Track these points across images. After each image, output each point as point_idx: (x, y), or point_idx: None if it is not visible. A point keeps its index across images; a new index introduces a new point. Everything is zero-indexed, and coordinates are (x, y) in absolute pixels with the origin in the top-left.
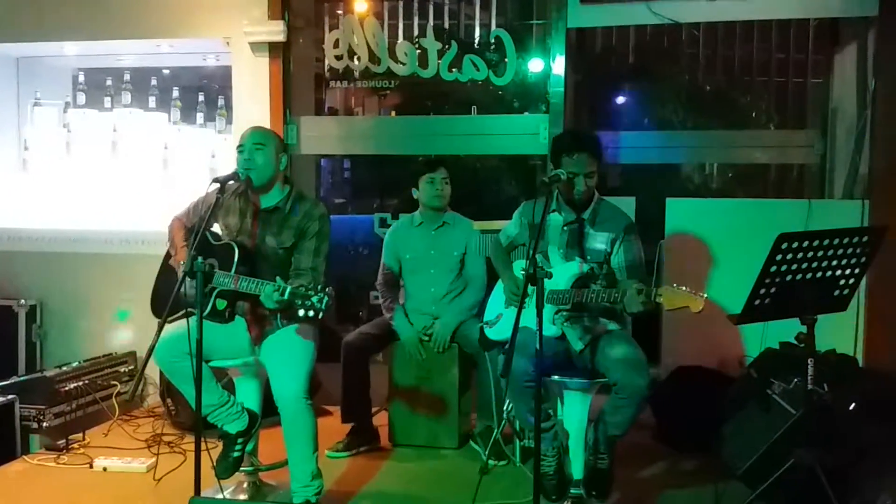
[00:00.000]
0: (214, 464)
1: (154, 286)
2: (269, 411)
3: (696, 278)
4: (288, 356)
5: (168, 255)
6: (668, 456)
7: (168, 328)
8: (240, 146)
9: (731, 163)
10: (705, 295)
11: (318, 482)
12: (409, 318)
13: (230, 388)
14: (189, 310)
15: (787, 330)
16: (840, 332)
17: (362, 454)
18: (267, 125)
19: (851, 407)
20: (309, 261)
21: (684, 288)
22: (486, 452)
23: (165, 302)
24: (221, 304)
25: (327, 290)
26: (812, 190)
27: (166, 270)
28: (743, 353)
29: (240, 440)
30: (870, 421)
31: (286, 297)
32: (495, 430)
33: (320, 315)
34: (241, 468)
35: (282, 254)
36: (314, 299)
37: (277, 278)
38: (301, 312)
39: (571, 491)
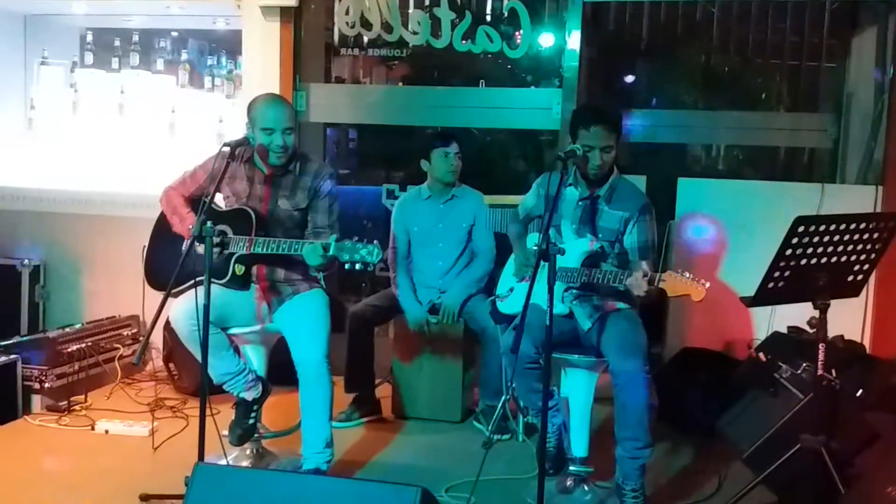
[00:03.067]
0: (228, 431)
1: (146, 257)
2: (272, 379)
3: (706, 260)
4: (309, 320)
5: (158, 226)
6: (671, 437)
7: (187, 295)
8: (268, 129)
9: (744, 144)
10: (707, 284)
11: (331, 451)
12: (416, 292)
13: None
14: (198, 279)
15: (795, 314)
16: (847, 319)
17: (364, 425)
18: (276, 91)
19: (859, 393)
20: (326, 219)
21: (688, 275)
22: (491, 427)
23: (161, 272)
24: (240, 269)
25: (375, 241)
26: (824, 174)
27: (159, 240)
28: (750, 336)
29: (255, 407)
30: (877, 408)
31: (332, 251)
32: (500, 404)
33: (369, 268)
34: None
35: (297, 215)
36: (363, 252)
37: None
38: (348, 266)
39: (572, 469)
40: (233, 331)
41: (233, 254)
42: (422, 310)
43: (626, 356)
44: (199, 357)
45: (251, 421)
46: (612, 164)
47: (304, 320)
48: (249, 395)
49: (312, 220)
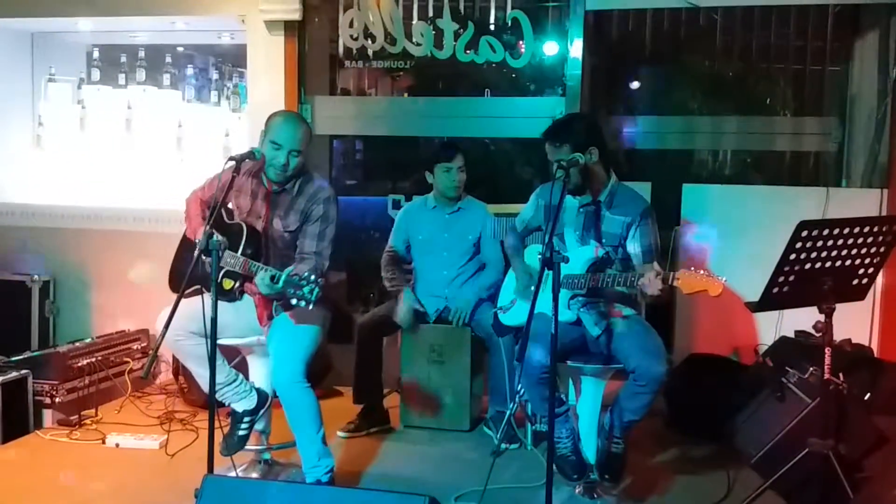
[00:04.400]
0: (221, 442)
1: (172, 263)
2: None
3: (710, 265)
4: (285, 340)
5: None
6: (679, 443)
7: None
8: (276, 144)
9: (748, 149)
10: (724, 279)
11: (327, 461)
12: (419, 300)
13: (243, 366)
14: (199, 286)
15: (801, 318)
16: (855, 322)
17: (373, 435)
18: (281, 105)
19: (867, 397)
20: (313, 245)
21: (702, 272)
22: (499, 435)
23: (182, 278)
24: (228, 283)
25: (319, 280)
26: (829, 178)
27: (183, 247)
28: (757, 341)
29: (247, 418)
30: (885, 411)
31: (280, 284)
32: (507, 413)
33: (310, 305)
34: (254, 447)
35: (287, 237)
36: (305, 290)
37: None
38: (293, 301)
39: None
40: (228, 341)
41: (222, 267)
42: (413, 299)
43: (653, 359)
44: (186, 364)
45: (242, 432)
46: (609, 170)
47: (283, 338)
48: (240, 406)
49: (300, 245)
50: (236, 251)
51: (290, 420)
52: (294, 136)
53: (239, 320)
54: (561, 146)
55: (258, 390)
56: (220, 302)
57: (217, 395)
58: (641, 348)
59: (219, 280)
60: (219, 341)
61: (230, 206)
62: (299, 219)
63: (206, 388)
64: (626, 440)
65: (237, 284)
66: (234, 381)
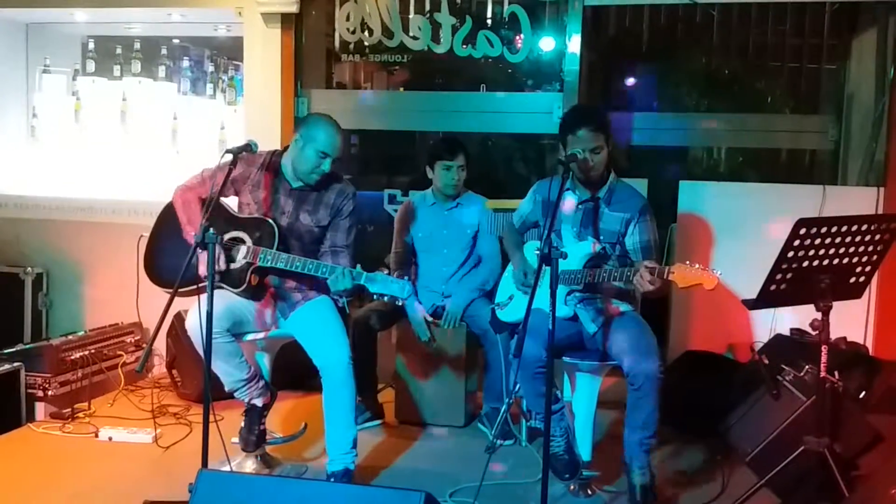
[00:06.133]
0: (238, 439)
1: (147, 248)
2: (276, 384)
3: (707, 262)
4: (330, 325)
5: (163, 218)
6: (674, 440)
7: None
8: (324, 153)
9: (745, 146)
10: (719, 272)
11: (355, 452)
12: (418, 295)
13: None
14: (201, 284)
15: (798, 316)
16: (850, 320)
17: (367, 430)
18: (278, 98)
19: (862, 395)
20: (345, 239)
21: (697, 265)
22: (494, 432)
23: (164, 269)
24: (256, 279)
25: (406, 277)
26: (825, 176)
27: (164, 233)
28: (753, 338)
29: (265, 413)
30: (881, 409)
31: (361, 281)
32: (503, 409)
33: (398, 301)
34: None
35: (316, 232)
36: (395, 287)
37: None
38: (375, 297)
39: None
40: (248, 337)
41: (250, 264)
42: (420, 314)
43: (643, 357)
44: (216, 365)
45: (262, 426)
46: (609, 167)
47: (326, 325)
48: (260, 402)
49: (332, 239)
50: (269, 248)
51: (330, 404)
52: (338, 144)
53: (254, 315)
54: (598, 133)
55: (269, 385)
56: (240, 299)
57: (237, 393)
58: (632, 346)
59: (247, 277)
60: (244, 338)
61: (233, 200)
62: (330, 213)
63: (229, 384)
64: (650, 467)
65: (259, 280)
66: (256, 377)
